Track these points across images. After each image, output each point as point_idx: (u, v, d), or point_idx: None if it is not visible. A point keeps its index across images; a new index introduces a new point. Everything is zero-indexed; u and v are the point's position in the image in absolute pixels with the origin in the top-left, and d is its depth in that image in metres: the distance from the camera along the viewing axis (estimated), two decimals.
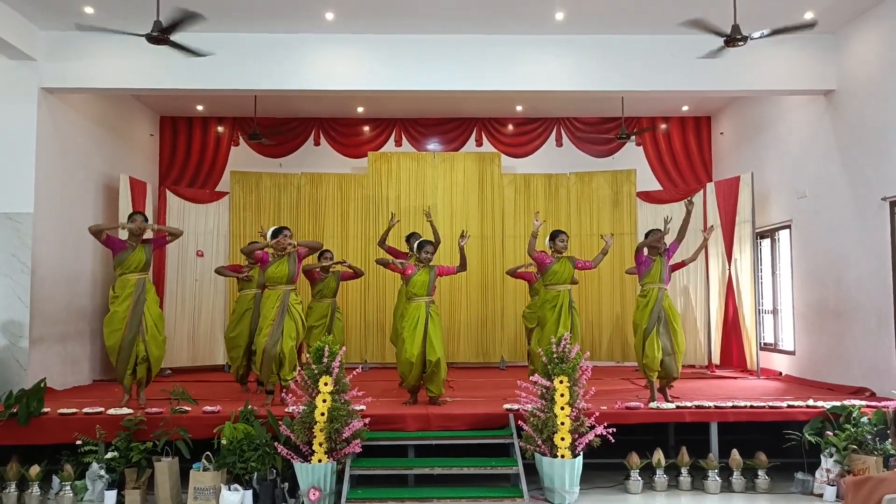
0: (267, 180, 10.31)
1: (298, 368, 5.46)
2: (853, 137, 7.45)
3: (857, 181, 7.34)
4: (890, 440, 5.35)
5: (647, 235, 6.94)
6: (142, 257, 6.37)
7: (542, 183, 10.52)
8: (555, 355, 5.42)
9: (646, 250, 6.81)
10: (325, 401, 5.15)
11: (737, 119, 10.29)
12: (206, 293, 9.88)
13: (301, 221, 10.28)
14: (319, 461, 5.08)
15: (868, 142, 7.19)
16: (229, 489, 5.13)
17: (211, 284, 9.90)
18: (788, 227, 8.78)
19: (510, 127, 11.04)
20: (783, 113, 8.97)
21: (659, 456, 5.79)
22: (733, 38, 5.95)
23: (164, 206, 9.61)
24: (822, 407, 5.95)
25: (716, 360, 9.57)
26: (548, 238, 7.06)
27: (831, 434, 5.64)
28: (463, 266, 6.86)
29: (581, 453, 5.27)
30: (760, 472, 5.77)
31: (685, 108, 10.67)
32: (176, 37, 6.02)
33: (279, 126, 10.76)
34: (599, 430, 5.28)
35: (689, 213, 6.86)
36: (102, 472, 5.34)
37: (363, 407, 5.80)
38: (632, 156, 10.84)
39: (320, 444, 5.09)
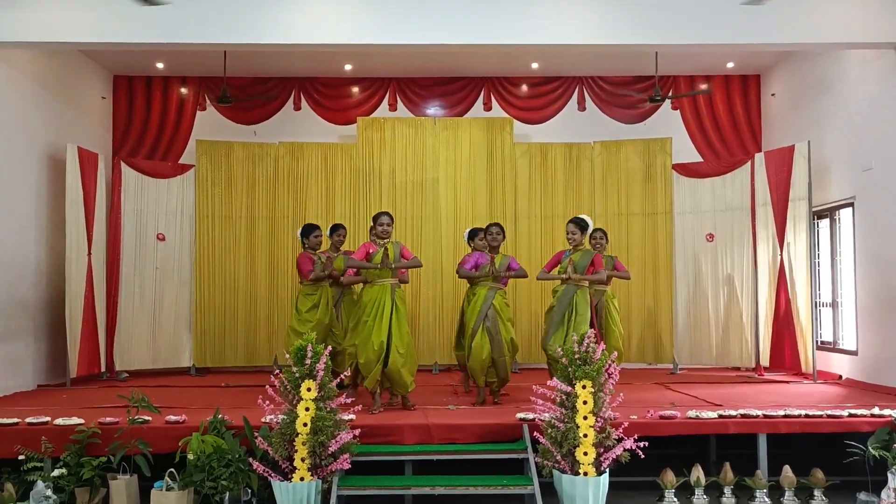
0: (239, 151, 10.28)
1: (277, 372, 5.46)
2: None
3: None
4: None
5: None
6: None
7: (562, 153, 10.48)
8: (576, 356, 5.40)
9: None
10: (307, 409, 5.15)
11: (791, 78, 10.21)
12: (169, 284, 9.89)
13: (279, 199, 10.27)
14: (301, 479, 5.08)
15: None
16: None
17: (174, 273, 9.91)
18: (851, 204, 8.73)
19: (524, 88, 10.96)
20: (846, 71, 8.89)
21: (698, 473, 5.79)
22: None
23: (118, 181, 9.59)
24: (890, 416, 5.94)
25: (765, 361, 9.56)
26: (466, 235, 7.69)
27: None
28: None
29: (607, 470, 5.27)
30: (817, 492, 5.77)
31: (730, 65, 10.59)
32: None
33: (253, 87, 10.69)
34: (628, 443, 5.27)
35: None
36: (49, 493, 5.34)
37: (353, 416, 5.80)
38: (667, 121, 10.78)
39: (302, 460, 5.09)
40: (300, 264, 7.65)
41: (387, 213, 6.94)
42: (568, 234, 7.25)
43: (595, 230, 8.09)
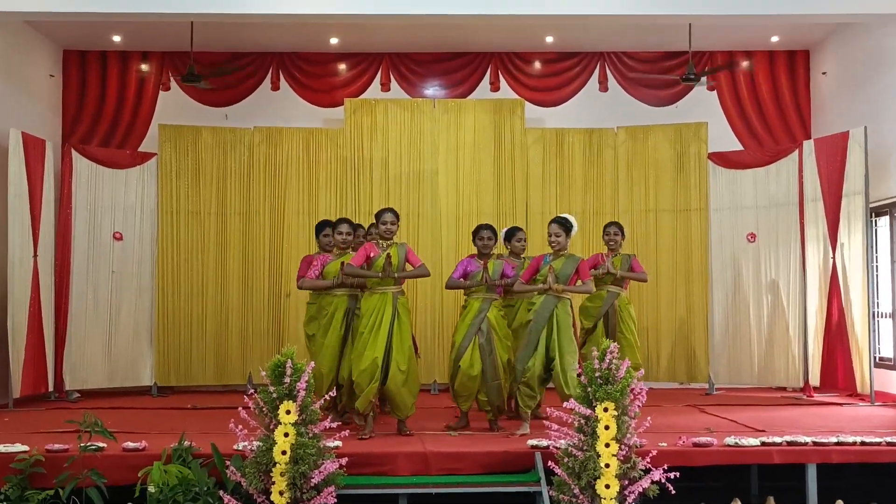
0: (208, 137, 10.28)
1: (251, 391, 5.44)
2: None
3: None
4: None
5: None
6: None
7: (581, 140, 10.47)
8: (597, 374, 5.37)
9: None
10: (286, 435, 5.12)
11: (845, 54, 10.20)
12: (127, 290, 9.88)
13: (254, 192, 10.26)
14: None
15: None
16: None
17: (133, 278, 9.90)
18: None
19: (537, 65, 10.95)
20: None
21: None
22: None
23: (69, 171, 9.58)
24: None
25: (814, 380, 9.54)
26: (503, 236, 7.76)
27: None
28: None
29: None
30: None
31: (775, 39, 10.58)
32: None
33: (224, 64, 10.69)
34: (657, 474, 5.25)
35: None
36: None
37: (339, 443, 5.78)
38: (702, 104, 10.76)
39: (281, 493, 5.06)
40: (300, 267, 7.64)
41: (391, 210, 6.95)
42: (550, 235, 7.07)
43: (609, 225, 8.12)
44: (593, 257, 8.37)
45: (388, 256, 6.75)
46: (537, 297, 6.98)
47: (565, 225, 7.05)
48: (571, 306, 7.04)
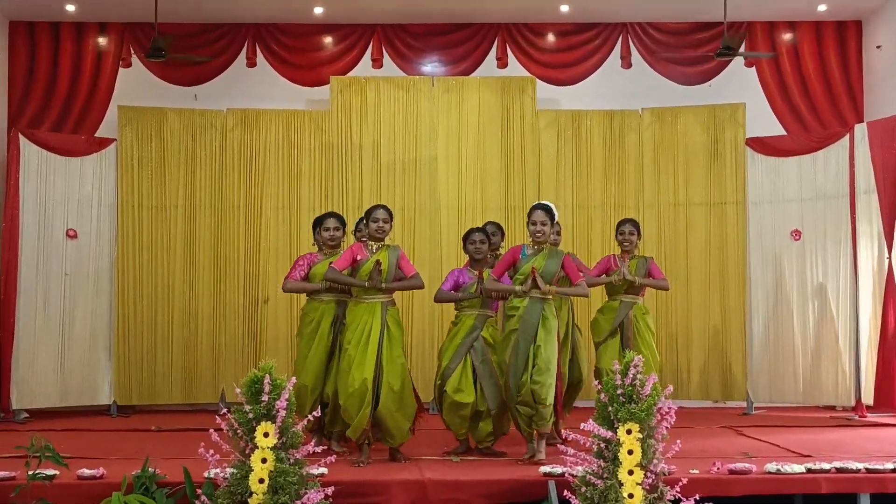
0: (174, 120, 10.29)
1: (224, 411, 5.46)
2: None
3: None
4: None
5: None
6: None
7: (600, 124, 10.48)
8: (619, 391, 5.38)
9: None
10: (264, 461, 5.13)
11: None
12: (83, 295, 9.90)
13: (227, 183, 10.28)
14: None
15: None
16: None
17: (90, 281, 9.91)
18: None
19: (550, 37, 10.97)
20: None
21: None
22: None
23: (15, 159, 9.59)
24: None
25: (868, 398, 9.55)
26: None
27: None
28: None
29: None
30: None
31: (822, 7, 10.58)
32: None
33: (193, 37, 10.70)
34: None
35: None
36: None
37: (324, 470, 5.78)
38: (740, 82, 10.78)
39: None
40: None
41: (383, 207, 6.92)
42: (535, 224, 6.79)
43: (624, 222, 8.02)
44: (604, 261, 8.14)
45: (378, 263, 6.72)
46: (518, 300, 6.76)
47: (550, 212, 6.87)
48: (554, 308, 6.94)
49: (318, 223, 7.66)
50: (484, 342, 7.04)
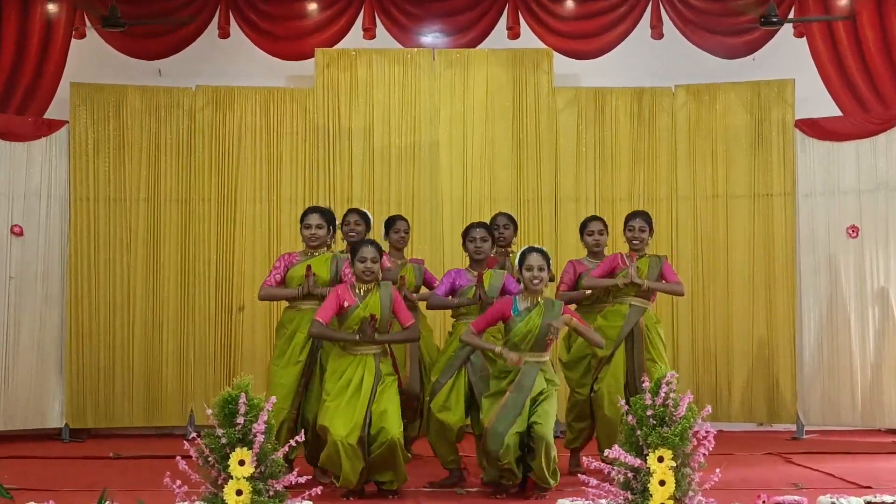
0: (135, 100, 10.28)
1: (193, 436, 5.44)
2: None
3: None
4: None
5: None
6: None
7: (627, 103, 10.48)
8: (649, 412, 5.37)
9: None
10: (240, 492, 5.12)
11: None
12: (30, 302, 9.89)
13: (196, 172, 10.26)
14: None
15: None
16: None
17: (37, 286, 9.89)
18: None
19: (569, 3, 10.91)
20: None
21: None
22: None
23: None
24: None
25: None
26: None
27: None
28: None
29: None
30: None
31: None
32: None
33: (157, 2, 10.68)
34: None
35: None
36: None
37: (310, 503, 5.78)
38: (788, 54, 10.74)
39: None
40: None
41: (372, 244, 6.86)
42: (532, 270, 6.69)
43: (634, 216, 7.85)
44: (609, 259, 7.79)
45: (372, 318, 6.55)
46: (509, 365, 6.65)
47: (546, 256, 6.81)
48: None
49: (302, 219, 7.65)
50: (483, 356, 7.01)
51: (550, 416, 6.55)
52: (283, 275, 7.33)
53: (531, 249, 6.79)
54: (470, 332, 6.74)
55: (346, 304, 6.67)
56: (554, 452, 6.44)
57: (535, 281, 6.63)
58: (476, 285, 7.07)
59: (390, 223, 7.94)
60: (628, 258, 7.69)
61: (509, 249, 7.75)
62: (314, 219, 7.33)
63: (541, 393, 6.55)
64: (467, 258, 7.44)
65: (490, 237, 7.29)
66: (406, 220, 8.01)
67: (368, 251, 6.72)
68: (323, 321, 6.62)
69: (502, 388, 6.59)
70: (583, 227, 7.98)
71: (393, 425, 6.49)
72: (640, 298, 7.65)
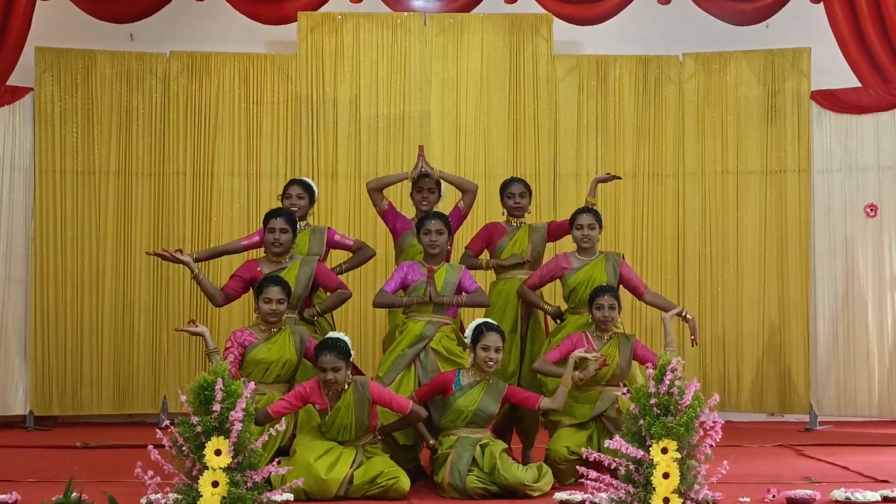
0: (105, 65, 10.27)
1: (166, 424, 5.44)
2: None
3: None
4: None
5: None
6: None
7: (632, 72, 10.50)
8: (653, 400, 5.37)
9: None
10: (216, 484, 5.11)
11: None
12: None
13: (170, 143, 10.27)
14: None
15: None
16: None
17: (0, 260, 9.89)
18: None
19: None
20: None
21: None
22: None
23: None
24: None
25: None
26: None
27: None
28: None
29: None
30: None
31: None
32: None
33: None
34: None
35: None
36: None
37: (290, 496, 5.77)
38: (804, 22, 10.72)
39: None
40: None
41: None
42: (488, 351, 6.56)
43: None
44: (570, 339, 7.10)
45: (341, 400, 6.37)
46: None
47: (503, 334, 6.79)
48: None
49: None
50: (435, 355, 6.95)
51: (506, 459, 6.46)
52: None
53: (490, 327, 6.66)
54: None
55: (315, 405, 6.49)
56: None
57: (490, 363, 6.54)
58: (427, 282, 6.98)
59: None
60: (594, 337, 7.13)
61: (522, 221, 7.71)
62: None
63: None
64: (460, 240, 7.42)
65: (447, 230, 7.14)
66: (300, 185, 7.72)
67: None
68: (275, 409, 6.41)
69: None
70: (572, 219, 7.53)
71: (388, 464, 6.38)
72: (610, 386, 7.11)
